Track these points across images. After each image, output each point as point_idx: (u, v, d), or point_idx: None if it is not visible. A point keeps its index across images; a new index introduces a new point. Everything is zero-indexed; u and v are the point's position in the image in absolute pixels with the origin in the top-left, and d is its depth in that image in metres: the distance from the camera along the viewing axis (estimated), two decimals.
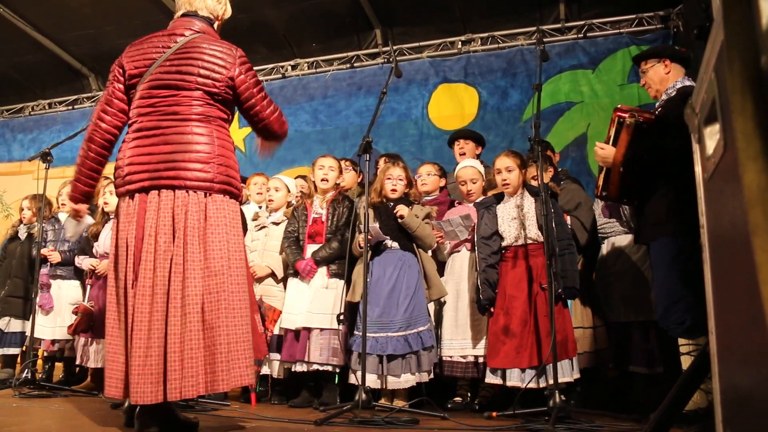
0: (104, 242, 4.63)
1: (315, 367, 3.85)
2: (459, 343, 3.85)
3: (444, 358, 3.85)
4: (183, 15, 2.77)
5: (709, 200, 1.20)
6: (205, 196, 2.53)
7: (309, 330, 3.91)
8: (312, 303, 3.95)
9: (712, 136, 1.13)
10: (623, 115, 3.13)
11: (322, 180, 4.19)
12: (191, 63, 2.60)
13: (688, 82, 3.31)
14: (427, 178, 4.53)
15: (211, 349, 2.40)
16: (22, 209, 5.66)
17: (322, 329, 3.87)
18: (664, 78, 3.38)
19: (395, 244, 3.89)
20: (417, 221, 3.85)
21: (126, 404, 2.52)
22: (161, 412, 2.41)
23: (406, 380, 3.67)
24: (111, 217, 4.65)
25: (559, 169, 4.58)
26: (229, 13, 2.92)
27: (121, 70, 2.69)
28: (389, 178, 4.01)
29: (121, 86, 2.69)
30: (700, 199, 1.25)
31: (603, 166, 3.30)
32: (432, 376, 3.78)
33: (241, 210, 4.71)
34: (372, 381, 3.59)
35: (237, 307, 2.49)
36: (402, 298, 3.74)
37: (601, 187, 3.33)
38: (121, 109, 2.68)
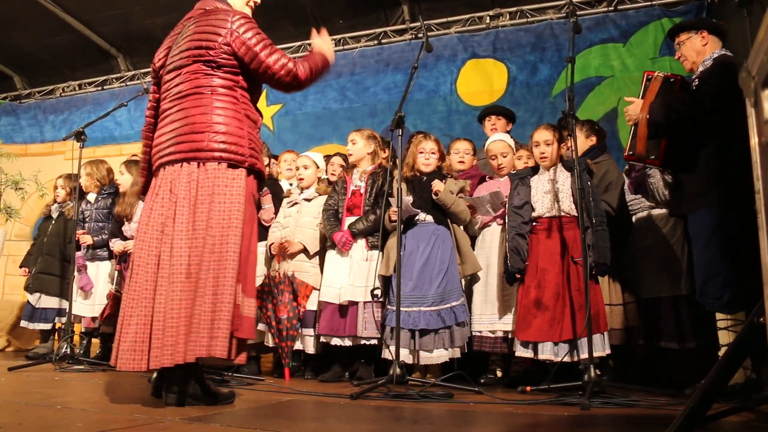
0: (132, 225, 4.78)
1: (362, 341, 3.85)
2: (488, 317, 3.83)
3: (473, 333, 3.84)
4: None
5: (766, 165, 1.17)
6: (198, 166, 2.51)
7: (354, 304, 3.89)
8: (353, 276, 3.93)
9: None
10: (651, 72, 3.37)
11: (349, 154, 4.29)
12: (189, 40, 2.64)
13: (725, 53, 3.24)
14: (465, 156, 4.47)
15: (189, 320, 2.37)
16: (56, 188, 5.74)
17: (365, 302, 3.83)
18: (701, 50, 3.30)
19: (429, 218, 3.88)
20: (452, 197, 3.83)
21: (153, 375, 2.56)
22: (187, 378, 2.44)
23: (439, 356, 3.67)
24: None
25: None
26: None
27: (154, 71, 2.83)
28: (422, 152, 3.99)
29: (156, 82, 2.80)
30: (755, 164, 1.22)
31: (631, 124, 3.30)
32: (465, 351, 3.79)
33: (276, 181, 4.75)
34: (404, 355, 3.59)
35: (214, 276, 2.42)
36: (435, 272, 3.73)
37: (628, 147, 3.31)
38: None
